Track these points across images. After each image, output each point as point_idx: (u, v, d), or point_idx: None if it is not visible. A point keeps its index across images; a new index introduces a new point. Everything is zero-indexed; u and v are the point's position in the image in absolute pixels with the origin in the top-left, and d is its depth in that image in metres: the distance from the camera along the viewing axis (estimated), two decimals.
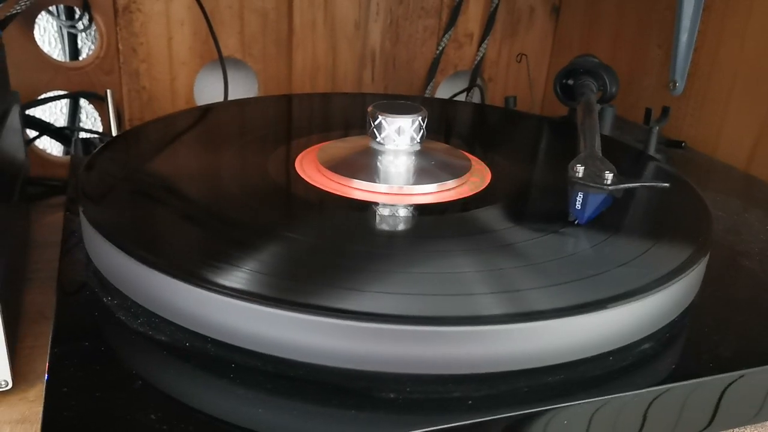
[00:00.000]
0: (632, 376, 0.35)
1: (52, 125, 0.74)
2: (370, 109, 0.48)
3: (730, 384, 0.36)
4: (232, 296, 0.33)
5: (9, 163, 0.51)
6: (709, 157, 0.68)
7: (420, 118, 0.47)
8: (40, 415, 0.42)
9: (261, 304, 0.33)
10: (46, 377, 0.32)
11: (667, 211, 0.47)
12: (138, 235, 0.40)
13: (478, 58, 0.91)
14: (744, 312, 0.41)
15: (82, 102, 0.82)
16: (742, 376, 0.36)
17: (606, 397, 0.33)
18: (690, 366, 0.36)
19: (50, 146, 0.84)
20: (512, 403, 0.32)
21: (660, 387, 0.34)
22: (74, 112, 0.80)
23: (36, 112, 0.80)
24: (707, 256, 0.41)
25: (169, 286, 0.35)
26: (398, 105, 0.48)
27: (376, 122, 0.47)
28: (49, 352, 0.34)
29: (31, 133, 0.72)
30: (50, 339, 0.35)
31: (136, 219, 0.43)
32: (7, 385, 0.43)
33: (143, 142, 0.55)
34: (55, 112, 0.86)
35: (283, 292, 0.34)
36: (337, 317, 0.32)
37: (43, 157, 0.75)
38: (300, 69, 0.85)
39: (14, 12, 0.64)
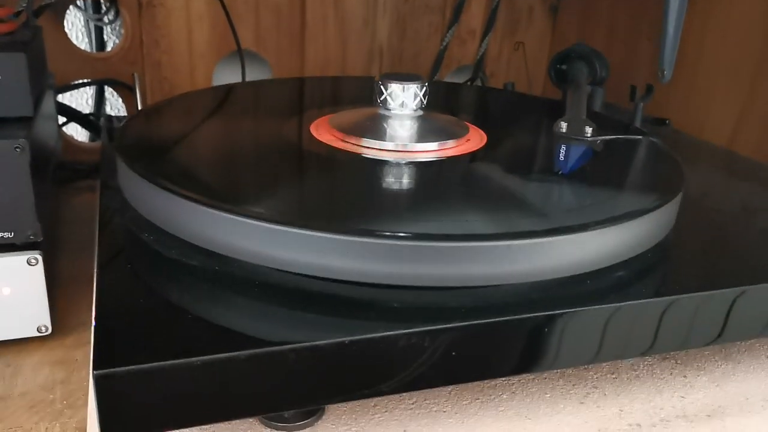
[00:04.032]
0: (605, 296, 0.39)
1: (79, 112, 0.79)
2: (377, 77, 0.53)
3: (697, 304, 0.41)
4: (255, 218, 0.38)
5: (45, 143, 0.56)
6: (695, 137, 0.73)
7: (422, 84, 0.52)
8: (76, 358, 0.47)
9: (283, 225, 0.37)
10: (94, 296, 0.37)
11: (642, 167, 0.53)
12: (172, 174, 0.45)
13: (480, 54, 0.96)
14: (710, 250, 0.46)
15: (107, 94, 0.87)
16: (705, 297, 0.40)
17: (577, 309, 0.37)
18: (659, 290, 0.40)
19: (76, 134, 0.89)
20: (500, 312, 0.37)
21: (629, 302, 0.39)
22: (100, 100, 0.85)
23: (64, 101, 0.85)
24: (678, 196, 0.45)
25: (200, 214, 0.39)
26: (403, 75, 0.53)
27: (382, 89, 0.52)
28: (95, 277, 0.39)
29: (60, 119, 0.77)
30: (95, 266, 0.40)
31: (170, 162, 0.48)
32: (47, 330, 0.48)
33: (173, 109, 0.61)
34: (81, 104, 0.91)
35: (301, 218, 0.39)
36: (351, 235, 0.37)
37: (69, 142, 0.80)
38: (312, 62, 0.90)
39: (47, 2, 0.70)
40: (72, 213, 0.69)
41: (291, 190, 0.45)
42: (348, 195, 0.45)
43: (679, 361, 0.48)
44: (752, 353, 0.49)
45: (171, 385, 0.31)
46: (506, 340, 0.37)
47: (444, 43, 0.94)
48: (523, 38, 0.99)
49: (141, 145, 0.50)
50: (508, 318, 0.36)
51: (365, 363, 0.35)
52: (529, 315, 0.37)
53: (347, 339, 0.34)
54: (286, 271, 0.38)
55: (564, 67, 0.71)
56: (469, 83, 0.92)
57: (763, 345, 0.50)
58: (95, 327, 0.33)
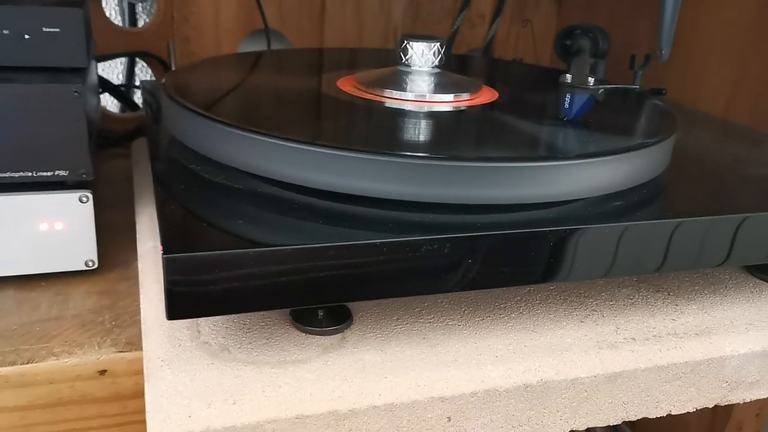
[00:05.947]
0: (602, 218, 0.44)
1: (112, 83, 0.85)
2: (399, 37, 0.58)
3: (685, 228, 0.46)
4: (296, 141, 0.43)
5: (93, 98, 0.60)
6: (691, 108, 0.79)
7: (439, 43, 0.57)
8: (120, 290, 0.52)
9: (324, 147, 0.43)
10: (156, 210, 0.42)
11: (638, 117, 0.59)
12: (219, 107, 0.50)
13: (489, 37, 1.01)
14: (700, 187, 0.52)
15: (136, 70, 0.93)
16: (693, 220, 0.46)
17: (575, 227, 0.43)
18: (651, 215, 0.46)
19: (107, 105, 0.94)
20: (511, 227, 0.42)
21: (623, 224, 0.44)
22: (131, 73, 0.91)
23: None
24: (672, 137, 0.51)
25: (245, 141, 0.45)
26: (423, 36, 0.58)
27: (403, 47, 0.57)
28: (155, 197, 0.44)
29: None
30: (154, 190, 0.45)
31: (215, 100, 0.54)
32: (93, 265, 0.53)
33: (212, 64, 0.67)
34: (112, 78, 0.96)
35: (338, 143, 0.43)
36: (380, 155, 0.42)
37: (102, 112, 0.85)
38: (330, 42, 0.95)
39: None
40: (105, 175, 0.74)
41: (329, 124, 0.51)
42: (374, 132, 0.50)
43: (671, 293, 0.53)
44: (739, 288, 0.54)
45: (225, 272, 0.37)
46: (515, 251, 0.42)
47: (455, 27, 0.99)
48: (531, 22, 1.04)
49: (190, 86, 0.56)
50: (517, 231, 0.42)
51: (392, 263, 0.40)
52: (535, 230, 0.42)
53: (378, 240, 0.39)
54: (326, 192, 0.43)
55: (569, 42, 0.76)
56: None
57: (749, 282, 0.55)
58: (160, 219, 0.38)
